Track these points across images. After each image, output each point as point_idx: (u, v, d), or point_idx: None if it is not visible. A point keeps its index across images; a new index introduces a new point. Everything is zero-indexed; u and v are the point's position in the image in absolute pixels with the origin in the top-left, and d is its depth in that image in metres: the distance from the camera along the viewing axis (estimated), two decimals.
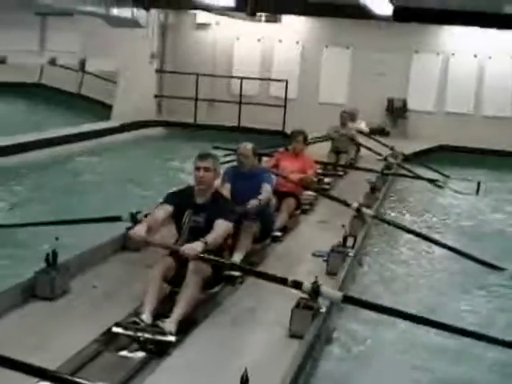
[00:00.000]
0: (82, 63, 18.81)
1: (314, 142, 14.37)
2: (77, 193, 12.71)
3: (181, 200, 6.46)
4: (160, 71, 22.65)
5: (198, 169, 6.36)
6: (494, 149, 19.90)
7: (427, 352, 6.71)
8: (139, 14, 16.23)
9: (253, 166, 8.27)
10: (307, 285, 5.93)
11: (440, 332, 6.19)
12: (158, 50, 22.39)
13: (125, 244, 7.99)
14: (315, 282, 5.94)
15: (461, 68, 21.56)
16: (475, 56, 21.51)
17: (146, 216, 7.15)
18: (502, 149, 19.90)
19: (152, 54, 21.79)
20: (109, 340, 5.46)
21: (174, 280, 6.08)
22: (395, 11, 13.25)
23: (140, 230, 6.08)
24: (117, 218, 7.85)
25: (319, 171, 13.71)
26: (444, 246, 9.58)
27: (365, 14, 14.05)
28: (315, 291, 5.90)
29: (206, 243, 5.90)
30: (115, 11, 15.28)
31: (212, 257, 6.03)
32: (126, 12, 15.81)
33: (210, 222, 6.20)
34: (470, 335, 5.79)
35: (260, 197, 7.87)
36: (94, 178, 14.32)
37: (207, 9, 16.21)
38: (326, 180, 13.38)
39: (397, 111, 22.07)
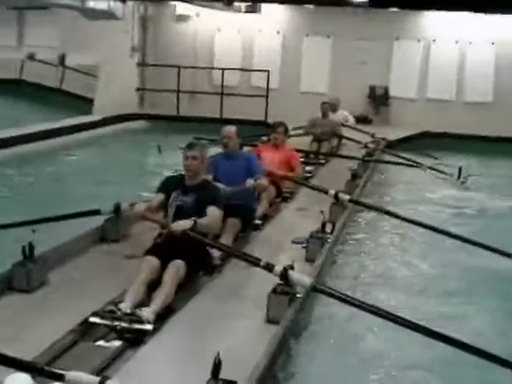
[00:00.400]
0: (62, 58, 18.65)
1: (295, 135, 14.35)
2: (54, 188, 12.64)
3: (172, 185, 6.80)
4: (141, 64, 22.62)
5: (186, 158, 6.69)
6: (475, 134, 19.99)
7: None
8: (115, 5, 16.15)
9: (237, 147, 8.51)
10: (277, 268, 5.93)
11: None
12: (139, 43, 22.38)
13: (103, 235, 7.97)
14: (285, 267, 5.94)
15: (442, 54, 21.64)
16: (456, 42, 21.60)
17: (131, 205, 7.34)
18: (483, 134, 20.01)
19: (133, 47, 21.78)
20: (86, 330, 5.44)
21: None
22: None
23: (139, 206, 6.90)
24: (96, 212, 7.81)
25: (302, 159, 13.78)
26: (421, 224, 9.55)
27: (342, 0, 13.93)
28: (284, 276, 5.88)
29: (195, 222, 6.21)
30: (91, 3, 15.20)
31: (197, 235, 6.23)
32: (102, 4, 15.72)
33: (199, 204, 6.49)
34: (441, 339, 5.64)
35: (258, 181, 8.18)
36: (72, 173, 14.28)
37: None
38: (308, 168, 13.36)
39: (379, 99, 22.13)
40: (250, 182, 8.06)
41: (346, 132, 16.19)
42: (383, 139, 16.85)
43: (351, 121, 17.58)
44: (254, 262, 6.18)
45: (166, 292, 5.84)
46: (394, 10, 19.98)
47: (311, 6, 20.88)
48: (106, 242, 7.94)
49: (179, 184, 6.75)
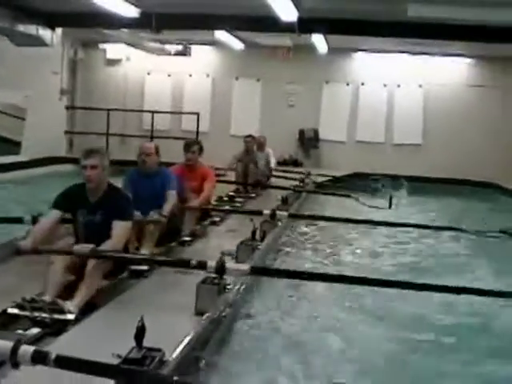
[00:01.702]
0: None
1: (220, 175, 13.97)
2: None
3: (72, 201, 6.22)
4: (70, 107, 22.39)
5: (84, 167, 6.07)
6: (404, 175, 20.17)
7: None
8: (44, 32, 16.01)
9: (156, 165, 8.09)
10: (211, 263, 5.77)
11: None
12: (69, 86, 22.19)
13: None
14: (220, 260, 5.79)
15: (371, 97, 21.99)
16: (384, 85, 21.94)
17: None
18: (414, 175, 20.23)
19: (62, 90, 21.56)
20: (5, 321, 5.17)
21: (79, 270, 5.83)
22: (300, 20, 13.27)
23: (26, 245, 5.85)
24: (18, 220, 7.56)
25: (231, 193, 13.68)
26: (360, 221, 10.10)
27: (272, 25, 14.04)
28: (220, 268, 5.75)
29: (94, 249, 5.74)
30: (20, 27, 15.07)
31: (108, 252, 5.87)
32: (31, 29, 15.59)
33: (108, 220, 6.01)
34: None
35: (164, 210, 7.67)
36: None
37: (111, 25, 16.04)
38: (238, 199, 13.29)
39: (309, 141, 22.25)
40: (153, 214, 7.52)
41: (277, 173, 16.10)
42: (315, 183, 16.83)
43: (273, 162, 17.13)
44: (184, 263, 6.01)
45: (88, 284, 5.61)
46: (323, 52, 20.17)
47: (240, 49, 20.98)
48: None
49: (82, 199, 6.20)
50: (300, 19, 13.30)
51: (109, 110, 21.17)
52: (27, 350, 3.81)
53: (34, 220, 7.31)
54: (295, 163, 21.16)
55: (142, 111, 22.50)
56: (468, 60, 21.31)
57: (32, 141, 19.30)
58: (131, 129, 22.26)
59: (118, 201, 6.25)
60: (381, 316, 7.04)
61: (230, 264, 5.86)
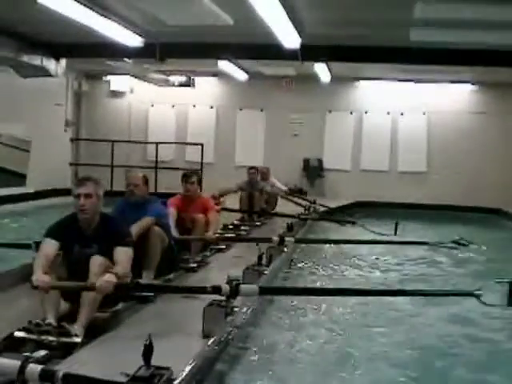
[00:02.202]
0: None
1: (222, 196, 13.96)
2: None
3: (66, 233, 5.91)
4: (75, 139, 22.50)
5: (77, 196, 5.83)
6: (410, 202, 20.20)
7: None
8: (49, 63, 16.09)
9: (144, 195, 7.84)
10: (226, 286, 5.81)
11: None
12: (73, 118, 22.32)
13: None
14: (231, 282, 5.81)
15: (374, 126, 22.00)
16: (388, 113, 21.97)
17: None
18: (419, 202, 20.29)
19: (66, 122, 21.70)
20: (10, 344, 5.14)
21: (73, 297, 5.74)
22: (302, 47, 13.36)
23: (43, 278, 5.44)
24: (27, 246, 7.57)
25: (236, 222, 13.68)
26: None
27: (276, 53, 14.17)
28: (234, 290, 5.80)
29: (116, 274, 5.54)
30: (25, 58, 15.17)
31: (128, 284, 5.88)
32: (35, 60, 15.67)
33: (105, 251, 5.79)
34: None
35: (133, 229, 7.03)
36: None
37: (115, 55, 16.14)
38: (243, 228, 13.28)
39: (313, 171, 22.26)
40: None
41: (283, 201, 16.10)
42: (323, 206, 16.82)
43: (282, 187, 17.21)
44: (199, 290, 6.06)
45: (89, 307, 5.54)
46: (326, 82, 20.23)
47: (244, 80, 21.08)
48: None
49: (75, 233, 5.93)
50: (303, 46, 13.36)
51: (113, 141, 21.24)
52: (35, 368, 3.81)
53: (37, 246, 7.29)
54: (300, 192, 21.14)
55: (147, 143, 22.58)
56: (470, 87, 21.36)
57: (37, 173, 19.39)
58: (136, 160, 22.26)
59: (116, 227, 6.07)
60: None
61: (242, 286, 5.92)
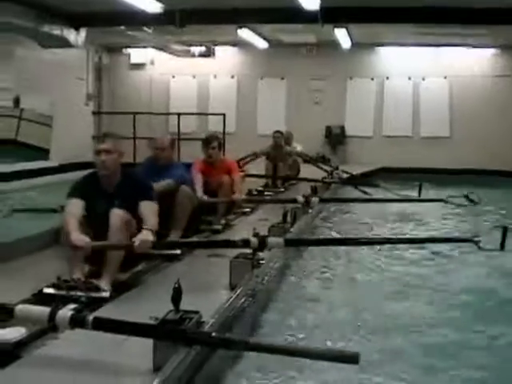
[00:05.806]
0: (17, 100, 18.59)
1: (246, 163, 14.04)
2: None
3: (88, 191, 5.82)
4: (97, 112, 22.56)
5: (98, 152, 5.76)
6: (432, 167, 20.13)
7: None
8: (68, 32, 16.08)
9: (170, 158, 7.83)
10: (254, 240, 5.88)
11: None
12: (94, 91, 22.37)
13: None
14: (257, 235, 5.92)
15: (396, 91, 21.83)
16: (409, 78, 21.82)
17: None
18: (442, 167, 20.18)
19: (88, 96, 21.74)
20: (40, 301, 5.12)
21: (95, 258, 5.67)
22: (322, 9, 13.29)
23: (82, 237, 5.34)
24: (53, 210, 7.65)
25: (259, 188, 13.68)
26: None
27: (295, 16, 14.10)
28: (262, 243, 5.87)
29: (151, 230, 5.47)
30: (45, 28, 15.17)
31: (162, 243, 6.07)
32: (55, 30, 15.66)
33: (128, 207, 5.71)
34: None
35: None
36: None
37: (135, 23, 16.06)
38: (267, 193, 13.32)
39: (335, 138, 22.18)
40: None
41: (305, 169, 16.08)
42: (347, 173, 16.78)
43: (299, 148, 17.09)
44: (230, 244, 6.16)
45: (114, 259, 5.58)
46: (347, 48, 20.09)
47: (264, 48, 21.00)
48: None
49: (97, 191, 5.84)
50: (322, 9, 13.29)
51: (135, 113, 21.23)
52: (65, 313, 3.83)
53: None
54: (322, 159, 21.06)
55: (168, 114, 22.56)
56: (492, 50, 21.13)
57: (60, 146, 19.49)
58: (158, 132, 22.16)
59: (139, 182, 6.03)
60: None
61: (270, 239, 6.06)
